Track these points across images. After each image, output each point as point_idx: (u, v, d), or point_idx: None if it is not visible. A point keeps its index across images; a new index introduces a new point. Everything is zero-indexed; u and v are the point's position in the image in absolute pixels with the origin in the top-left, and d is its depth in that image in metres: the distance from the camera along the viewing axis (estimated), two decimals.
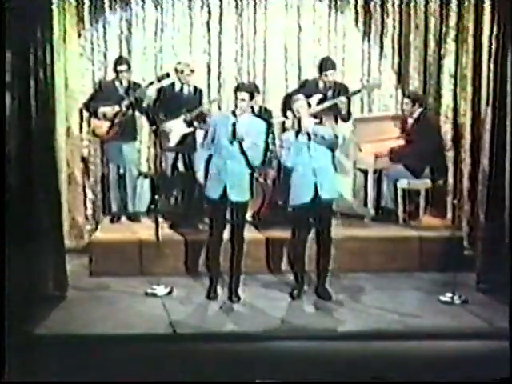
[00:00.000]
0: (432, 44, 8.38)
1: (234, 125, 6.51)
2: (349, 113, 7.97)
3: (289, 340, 5.63)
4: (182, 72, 7.89)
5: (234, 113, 6.56)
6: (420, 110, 7.91)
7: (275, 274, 7.36)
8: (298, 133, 6.55)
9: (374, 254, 7.38)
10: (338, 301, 6.72)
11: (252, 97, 6.51)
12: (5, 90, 5.98)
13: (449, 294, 6.70)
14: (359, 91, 8.16)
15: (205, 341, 5.57)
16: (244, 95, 6.47)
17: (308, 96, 7.25)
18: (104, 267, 7.27)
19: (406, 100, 7.93)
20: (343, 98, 7.81)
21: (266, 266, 7.39)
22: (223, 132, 6.50)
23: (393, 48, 8.57)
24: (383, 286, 7.06)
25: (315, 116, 6.97)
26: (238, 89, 6.58)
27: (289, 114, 7.37)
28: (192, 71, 7.91)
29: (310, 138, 6.52)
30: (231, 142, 6.51)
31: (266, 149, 6.85)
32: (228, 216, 6.61)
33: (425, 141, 7.69)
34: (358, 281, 7.18)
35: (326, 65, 7.99)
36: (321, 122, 6.99)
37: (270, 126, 6.91)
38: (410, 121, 7.93)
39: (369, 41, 8.61)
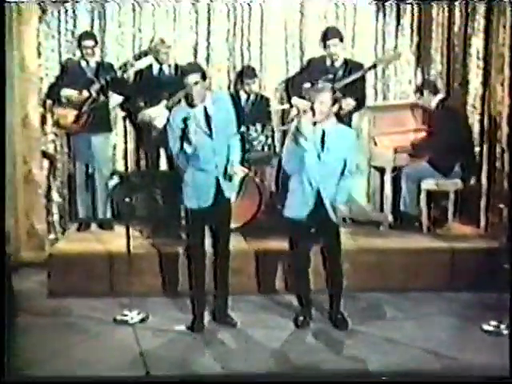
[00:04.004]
0: (457, 21, 7.54)
1: (205, 110, 5.40)
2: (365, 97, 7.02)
3: None
4: (157, 51, 7.05)
5: (190, 104, 5.43)
6: (439, 97, 7.07)
7: (274, 294, 6.40)
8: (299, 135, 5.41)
9: (394, 269, 6.49)
10: (353, 330, 5.65)
11: (204, 78, 5.42)
12: (5, 89, 5.82)
13: (493, 322, 5.60)
14: (374, 67, 7.21)
15: None
16: (194, 77, 5.35)
17: (316, 78, 6.50)
18: (65, 286, 6.35)
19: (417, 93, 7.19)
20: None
21: (262, 285, 6.48)
22: (197, 127, 5.35)
23: (411, 25, 7.77)
24: (407, 310, 6.08)
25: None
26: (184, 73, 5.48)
27: (295, 100, 6.67)
28: (169, 47, 7.10)
29: (323, 144, 5.42)
30: (210, 136, 5.40)
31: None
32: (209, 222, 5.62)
33: (450, 132, 6.84)
34: (376, 303, 6.21)
35: (329, 33, 7.01)
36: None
37: (237, 107, 5.89)
38: (431, 109, 7.12)
39: (384, 17, 7.77)
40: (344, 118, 6.50)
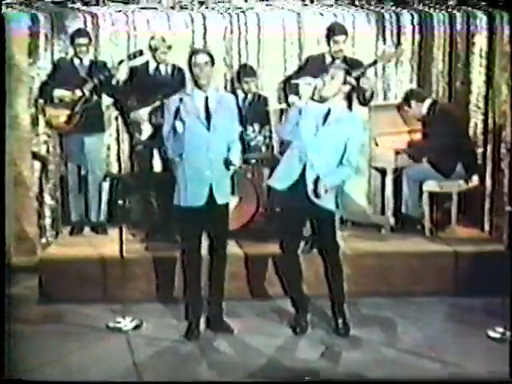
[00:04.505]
0: (460, 18, 7.39)
1: (206, 102, 5.26)
2: (372, 94, 6.77)
3: None
4: (156, 49, 6.85)
5: (198, 85, 5.29)
6: (428, 102, 6.92)
7: (269, 299, 6.23)
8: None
9: (396, 273, 6.36)
10: (354, 337, 5.46)
11: (213, 62, 5.32)
12: (5, 89, 5.77)
13: (499, 329, 5.41)
14: (375, 63, 6.97)
15: None
16: (205, 58, 5.26)
17: (314, 77, 6.03)
18: (57, 292, 6.20)
19: (405, 107, 7.02)
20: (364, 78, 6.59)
21: (260, 290, 6.30)
22: (192, 112, 5.19)
23: (412, 22, 7.55)
24: (410, 316, 5.89)
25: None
26: (195, 52, 5.37)
27: (292, 98, 6.48)
28: (169, 47, 6.92)
29: (325, 121, 5.25)
30: (207, 128, 5.23)
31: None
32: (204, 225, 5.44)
33: (446, 135, 6.70)
34: (378, 309, 6.02)
35: (335, 29, 6.77)
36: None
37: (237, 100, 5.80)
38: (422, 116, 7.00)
39: (383, 15, 7.53)
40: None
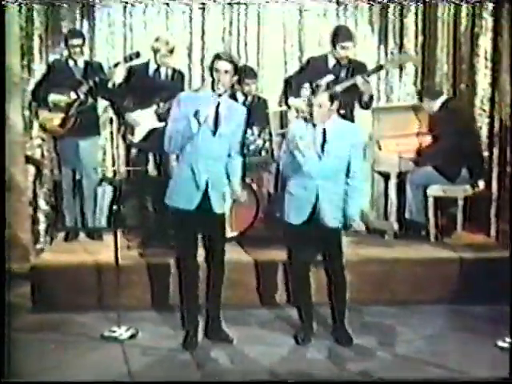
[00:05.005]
0: (464, 19, 7.27)
1: (217, 107, 5.06)
2: (371, 98, 6.57)
3: None
4: (157, 51, 6.68)
5: (214, 90, 5.08)
6: (441, 99, 6.80)
7: (271, 307, 6.08)
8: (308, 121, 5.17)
9: (400, 281, 6.23)
10: (359, 346, 5.30)
11: (236, 70, 5.08)
12: (5, 89, 5.66)
13: (508, 339, 5.22)
14: (381, 68, 6.83)
15: None
16: (227, 66, 5.02)
17: (316, 78, 6.23)
18: (50, 299, 6.05)
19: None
20: (359, 79, 6.34)
21: (259, 297, 6.18)
22: (202, 115, 4.99)
23: (416, 23, 7.52)
24: (415, 325, 5.74)
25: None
26: (218, 57, 5.09)
27: (292, 101, 6.36)
28: (171, 52, 6.72)
29: (324, 143, 5.12)
30: (213, 132, 5.05)
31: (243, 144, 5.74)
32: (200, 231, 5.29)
33: (454, 135, 6.61)
34: (382, 317, 5.88)
35: (342, 34, 6.50)
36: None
37: (249, 113, 5.55)
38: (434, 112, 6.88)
39: (386, 15, 7.50)
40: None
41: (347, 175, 5.17)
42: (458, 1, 7.05)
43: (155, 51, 6.70)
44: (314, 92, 5.47)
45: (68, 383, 4.79)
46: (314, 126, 5.11)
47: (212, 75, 5.02)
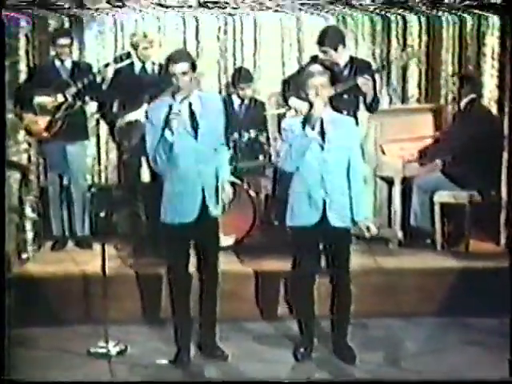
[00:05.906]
0: (469, 18, 7.35)
1: (190, 107, 4.89)
2: (377, 99, 6.31)
3: None
4: (137, 46, 6.68)
5: (174, 97, 4.91)
6: (471, 96, 6.68)
7: (270, 321, 5.93)
8: (305, 122, 4.90)
9: (405, 291, 6.12)
10: (363, 362, 5.07)
11: (194, 68, 4.91)
12: (5, 89, 5.57)
13: None
14: (384, 67, 6.87)
15: None
16: (183, 67, 4.82)
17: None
18: (33, 313, 5.85)
19: (454, 79, 6.97)
20: (360, 79, 6.06)
21: (258, 310, 6.06)
22: (174, 124, 4.80)
23: (419, 22, 7.52)
24: (423, 338, 5.56)
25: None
26: (171, 60, 4.91)
27: (293, 101, 6.04)
28: (151, 43, 6.72)
29: (323, 134, 4.90)
30: (195, 137, 4.88)
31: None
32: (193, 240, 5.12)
33: (477, 136, 6.50)
34: (387, 330, 5.70)
35: (326, 39, 6.18)
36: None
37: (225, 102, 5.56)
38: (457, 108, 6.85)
39: (387, 12, 7.45)
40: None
41: (348, 175, 4.99)
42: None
43: (135, 47, 6.69)
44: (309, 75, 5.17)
45: (68, 383, 4.75)
46: (310, 119, 4.89)
47: (171, 80, 4.84)
